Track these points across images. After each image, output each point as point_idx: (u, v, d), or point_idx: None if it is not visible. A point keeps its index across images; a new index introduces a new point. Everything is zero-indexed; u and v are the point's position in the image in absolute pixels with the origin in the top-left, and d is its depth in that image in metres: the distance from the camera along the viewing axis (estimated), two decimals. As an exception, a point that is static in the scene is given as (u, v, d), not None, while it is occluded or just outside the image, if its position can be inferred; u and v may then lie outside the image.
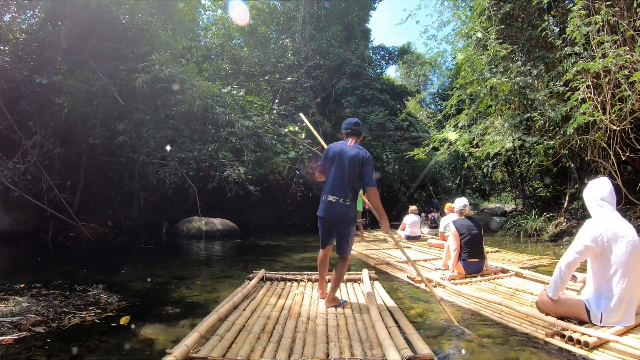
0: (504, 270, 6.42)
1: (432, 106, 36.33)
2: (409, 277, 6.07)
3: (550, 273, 6.42)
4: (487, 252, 6.84)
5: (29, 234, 11.69)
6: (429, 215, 16.07)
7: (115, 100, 11.68)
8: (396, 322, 3.82)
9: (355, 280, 5.67)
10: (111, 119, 12.04)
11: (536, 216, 12.94)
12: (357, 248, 9.95)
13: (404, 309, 4.59)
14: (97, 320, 4.25)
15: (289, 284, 5.52)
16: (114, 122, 11.89)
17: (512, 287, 5.37)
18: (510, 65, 9.83)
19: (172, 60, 11.56)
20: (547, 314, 4.00)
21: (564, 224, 12.05)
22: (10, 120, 11.76)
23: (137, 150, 11.98)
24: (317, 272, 4.79)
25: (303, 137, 13.15)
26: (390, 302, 4.57)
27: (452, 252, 6.09)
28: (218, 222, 13.50)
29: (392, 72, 43.94)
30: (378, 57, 26.46)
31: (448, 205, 9.92)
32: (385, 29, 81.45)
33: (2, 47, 12.59)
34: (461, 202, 6.52)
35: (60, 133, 12.33)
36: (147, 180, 12.80)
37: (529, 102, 10.30)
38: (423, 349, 3.04)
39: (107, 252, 10.09)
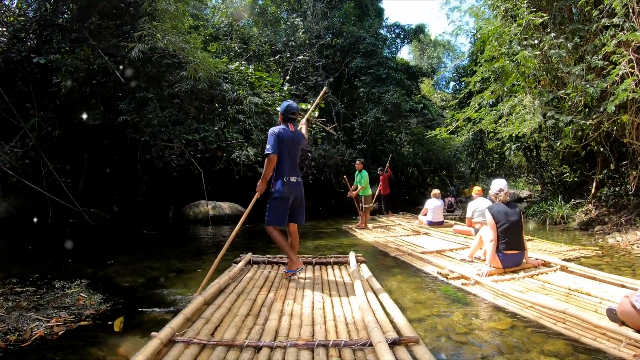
0: (546, 264, 5.47)
1: (447, 89, 35.15)
2: (440, 273, 5.13)
3: (599, 267, 5.57)
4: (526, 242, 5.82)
5: (29, 220, 10.97)
6: (446, 200, 15.25)
7: (116, 79, 10.84)
8: (382, 305, 3.65)
9: (342, 263, 5.53)
10: (112, 98, 11.22)
11: (562, 202, 11.94)
12: (371, 235, 9.09)
13: (439, 315, 3.72)
14: (65, 331, 3.43)
15: (275, 267, 5.42)
16: (115, 102, 11.05)
17: (563, 286, 4.45)
18: (544, 37, 8.75)
19: (173, 29, 10.52)
20: (622, 324, 3.10)
21: (593, 212, 11.06)
22: (8, 103, 11.03)
23: (139, 130, 11.13)
24: (301, 255, 5.05)
25: (316, 115, 12.23)
26: (377, 285, 4.34)
27: (487, 244, 5.16)
28: (226, 207, 12.71)
29: (405, 55, 42.61)
30: (393, 35, 25.09)
31: (476, 189, 9.00)
32: (397, 9, 79.64)
33: (1, 29, 11.86)
34: (498, 184, 5.48)
35: (59, 115, 11.56)
36: (152, 163, 12.02)
37: (561, 79, 9.30)
38: (408, 331, 2.96)
39: (105, 240, 9.33)
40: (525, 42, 9.14)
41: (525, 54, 8.72)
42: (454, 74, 21.39)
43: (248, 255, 5.65)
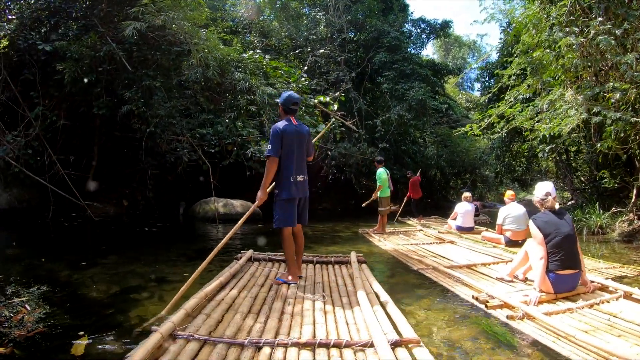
0: (603, 288, 4.29)
1: (472, 91, 33.64)
2: (476, 299, 3.95)
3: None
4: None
5: (30, 212, 10.23)
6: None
7: (123, 67, 10.00)
8: (382, 305, 3.50)
9: (343, 263, 5.37)
10: (119, 87, 10.39)
11: (600, 211, 10.59)
12: (390, 242, 7.93)
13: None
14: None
15: (277, 264, 5.25)
16: (121, 91, 10.22)
17: (636, 322, 3.27)
18: (590, 22, 7.53)
19: (174, 6, 9.43)
20: None
21: (636, 222, 9.71)
22: (14, 91, 10.41)
23: (145, 121, 10.26)
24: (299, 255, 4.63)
25: (335, 108, 11.15)
26: (377, 285, 4.13)
27: (536, 262, 4.01)
28: (238, 204, 11.73)
29: (430, 54, 41.13)
30: (418, 30, 23.83)
31: (509, 193, 7.94)
32: (422, 5, 77.48)
33: (10, 17, 11.40)
34: (544, 187, 4.27)
35: (65, 104, 10.84)
36: (163, 157, 11.17)
37: (605, 71, 8.09)
38: (409, 332, 2.85)
39: (101, 236, 8.51)
40: (567, 29, 7.93)
41: (570, 40, 7.51)
42: (483, 71, 19.94)
43: (249, 252, 5.47)
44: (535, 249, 4.05)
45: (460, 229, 9.53)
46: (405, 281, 4.91)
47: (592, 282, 4.28)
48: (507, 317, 3.40)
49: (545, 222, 4.01)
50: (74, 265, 5.45)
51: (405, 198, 13.43)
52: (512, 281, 4.60)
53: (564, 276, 3.90)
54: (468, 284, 4.48)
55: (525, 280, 4.64)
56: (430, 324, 3.40)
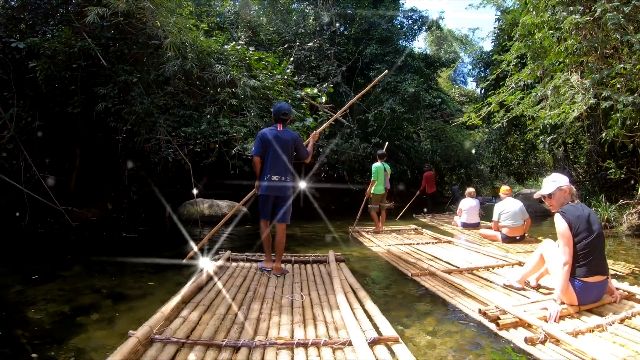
0: (630, 296, 3.59)
1: (465, 85, 33.07)
2: (483, 314, 3.22)
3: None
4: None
5: (8, 219, 9.49)
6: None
7: (98, 63, 9.32)
8: (361, 303, 3.44)
9: (321, 262, 5.32)
10: (95, 84, 9.70)
11: (607, 203, 9.94)
12: (382, 242, 7.24)
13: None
14: None
15: (254, 264, 5.10)
16: (97, 88, 9.55)
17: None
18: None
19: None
20: None
21: (643, 215, 9.07)
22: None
23: (122, 119, 9.61)
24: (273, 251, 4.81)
25: (323, 100, 10.42)
26: (356, 284, 4.12)
27: (558, 268, 3.26)
28: (225, 205, 10.98)
29: (422, 48, 40.32)
30: (410, 22, 22.90)
31: (504, 188, 7.52)
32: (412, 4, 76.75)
33: None
34: (563, 177, 3.53)
35: (40, 104, 10.13)
36: (147, 158, 10.49)
37: (611, 55, 7.45)
38: (387, 330, 2.80)
39: (73, 244, 7.75)
40: (571, 8, 7.28)
41: (575, 19, 6.84)
42: (478, 60, 19.21)
43: (227, 253, 5.39)
44: (556, 251, 3.34)
45: (465, 226, 9.16)
46: (403, 293, 4.20)
47: (617, 289, 3.59)
48: (526, 340, 2.69)
49: (578, 217, 3.23)
50: (29, 279, 4.75)
51: (418, 192, 13.42)
52: (523, 289, 3.91)
53: (592, 284, 3.20)
54: (472, 293, 3.77)
55: (538, 287, 3.95)
56: (437, 353, 2.69)
